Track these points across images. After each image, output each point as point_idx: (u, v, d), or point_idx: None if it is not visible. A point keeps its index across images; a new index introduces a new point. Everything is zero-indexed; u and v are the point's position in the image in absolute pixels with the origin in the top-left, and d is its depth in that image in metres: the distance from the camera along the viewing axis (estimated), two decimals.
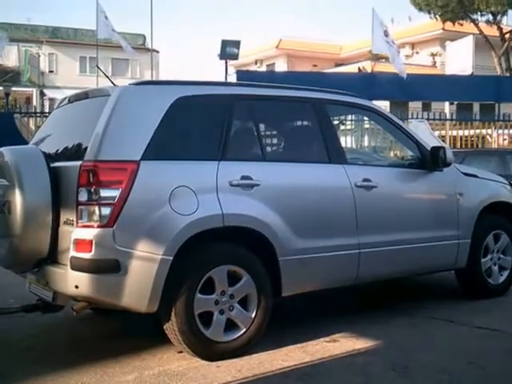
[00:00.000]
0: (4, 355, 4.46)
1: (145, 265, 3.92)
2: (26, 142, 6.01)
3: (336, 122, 6.84)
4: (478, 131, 17.85)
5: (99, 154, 3.94)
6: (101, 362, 4.19)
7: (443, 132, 18.32)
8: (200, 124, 4.50)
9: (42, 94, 36.17)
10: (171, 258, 3.96)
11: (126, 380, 3.89)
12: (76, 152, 4.21)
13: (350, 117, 12.45)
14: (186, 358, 4.22)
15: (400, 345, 4.51)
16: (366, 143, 13.80)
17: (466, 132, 17.52)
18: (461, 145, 17.33)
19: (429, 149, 5.35)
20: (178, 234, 4.00)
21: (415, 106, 21.39)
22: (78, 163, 3.96)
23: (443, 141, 15.99)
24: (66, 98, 4.95)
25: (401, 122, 5.66)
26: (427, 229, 5.32)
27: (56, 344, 4.77)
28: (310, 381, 3.83)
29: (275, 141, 4.99)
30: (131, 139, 4.09)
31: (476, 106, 23.52)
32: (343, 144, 7.85)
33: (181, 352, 4.29)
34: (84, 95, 4.63)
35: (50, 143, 4.71)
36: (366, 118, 7.29)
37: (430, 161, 5.31)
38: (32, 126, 14.22)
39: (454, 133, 17.99)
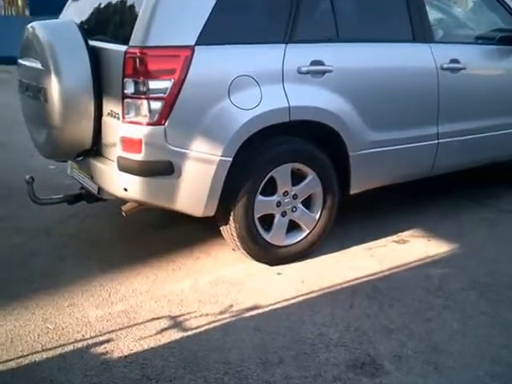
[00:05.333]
0: (48, 250, 4.16)
1: (201, 167, 3.44)
2: None
3: None
4: None
5: (147, 38, 3.29)
6: (151, 261, 3.90)
7: None
8: (264, 1, 3.78)
9: None
10: (230, 159, 3.46)
11: (180, 288, 3.57)
12: (119, 32, 3.59)
13: None
14: (242, 260, 3.90)
15: (478, 251, 4.07)
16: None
17: None
18: None
19: None
20: (239, 131, 3.46)
21: None
22: (123, 48, 3.34)
23: None
24: None
25: None
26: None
27: (102, 239, 4.34)
28: (382, 300, 3.43)
29: (352, 17, 4.17)
30: (184, 21, 3.39)
31: None
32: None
33: None
34: None
35: (86, 17, 4.05)
36: None
37: None
38: None
39: None
